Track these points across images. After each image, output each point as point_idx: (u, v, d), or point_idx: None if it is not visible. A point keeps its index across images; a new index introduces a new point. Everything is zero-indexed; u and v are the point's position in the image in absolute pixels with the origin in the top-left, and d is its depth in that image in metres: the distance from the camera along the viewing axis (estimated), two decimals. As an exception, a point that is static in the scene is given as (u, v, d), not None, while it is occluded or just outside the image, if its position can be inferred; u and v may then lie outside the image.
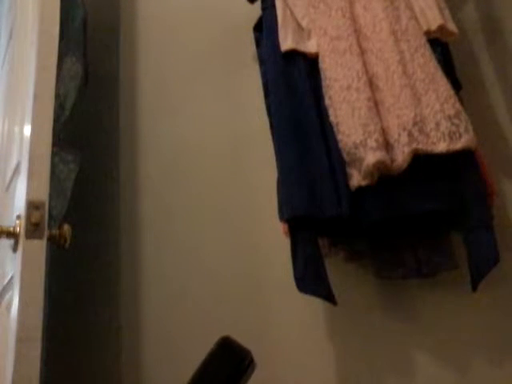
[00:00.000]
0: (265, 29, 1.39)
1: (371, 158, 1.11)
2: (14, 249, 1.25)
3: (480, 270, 1.09)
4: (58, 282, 1.53)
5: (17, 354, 1.10)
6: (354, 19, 1.27)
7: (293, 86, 1.28)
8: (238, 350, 0.67)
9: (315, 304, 1.31)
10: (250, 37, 1.49)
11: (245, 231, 1.54)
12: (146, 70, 1.94)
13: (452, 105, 1.12)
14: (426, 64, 1.16)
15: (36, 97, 1.32)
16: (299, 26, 1.33)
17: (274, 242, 1.41)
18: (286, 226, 1.25)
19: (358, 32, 1.25)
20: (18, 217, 1.24)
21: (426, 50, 1.18)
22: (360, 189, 1.14)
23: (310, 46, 1.30)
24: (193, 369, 0.80)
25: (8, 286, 1.34)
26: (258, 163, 1.55)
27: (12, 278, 1.27)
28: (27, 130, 1.31)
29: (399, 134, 1.14)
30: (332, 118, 1.21)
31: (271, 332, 1.42)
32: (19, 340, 1.12)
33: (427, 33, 1.22)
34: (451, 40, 1.26)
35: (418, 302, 1.29)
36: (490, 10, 1.39)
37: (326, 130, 1.22)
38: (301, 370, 1.36)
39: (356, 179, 1.15)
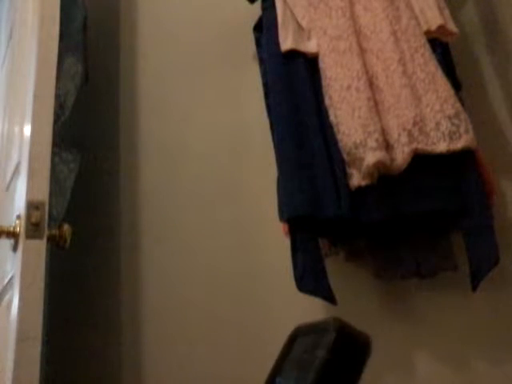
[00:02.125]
0: (265, 29, 1.38)
1: (371, 157, 1.11)
2: (14, 249, 1.25)
3: (480, 270, 1.09)
4: (58, 282, 1.53)
5: (17, 354, 1.10)
6: (354, 19, 1.27)
7: (293, 86, 1.28)
8: (359, 338, 0.55)
9: (315, 304, 1.31)
10: (250, 37, 1.49)
11: (245, 231, 1.54)
12: (146, 70, 1.94)
13: (452, 105, 1.12)
14: (425, 64, 1.16)
15: (36, 97, 1.32)
16: (299, 26, 1.33)
17: (274, 242, 1.41)
18: (286, 226, 1.25)
19: (358, 32, 1.25)
20: (18, 217, 1.24)
21: (426, 50, 1.18)
22: (360, 189, 1.14)
23: (310, 46, 1.30)
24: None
25: (8, 285, 1.34)
26: (258, 163, 1.55)
27: (12, 278, 1.27)
28: (27, 130, 1.31)
29: (399, 134, 1.14)
30: (332, 118, 1.21)
31: (271, 332, 1.42)
32: (19, 340, 1.12)
33: (427, 33, 1.21)
34: (451, 40, 1.26)
35: (417, 302, 1.29)
36: (490, 10, 1.38)
37: (326, 130, 1.22)
38: (301, 370, 1.36)
39: (356, 179, 1.15)
